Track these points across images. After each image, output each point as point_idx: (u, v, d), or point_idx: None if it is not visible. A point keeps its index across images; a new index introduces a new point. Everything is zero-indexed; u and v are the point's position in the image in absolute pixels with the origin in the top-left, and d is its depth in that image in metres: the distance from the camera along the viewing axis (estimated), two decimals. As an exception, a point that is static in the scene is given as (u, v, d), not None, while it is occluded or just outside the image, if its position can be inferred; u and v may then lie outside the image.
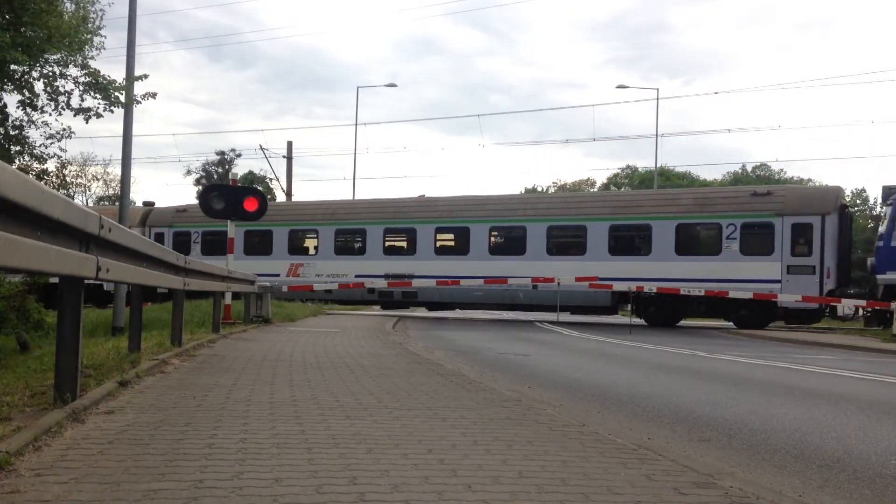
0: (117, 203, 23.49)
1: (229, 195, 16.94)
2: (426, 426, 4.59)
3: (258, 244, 28.01)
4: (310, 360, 8.62)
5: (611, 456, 3.95)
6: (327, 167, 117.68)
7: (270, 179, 55.84)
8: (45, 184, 9.09)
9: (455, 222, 26.00)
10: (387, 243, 26.62)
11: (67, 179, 17.50)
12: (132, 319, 8.18)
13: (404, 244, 26.47)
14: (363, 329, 15.44)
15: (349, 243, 27.25)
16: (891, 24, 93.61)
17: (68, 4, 14.17)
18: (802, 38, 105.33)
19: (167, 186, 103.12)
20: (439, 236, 26.14)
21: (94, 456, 3.54)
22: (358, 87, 64.15)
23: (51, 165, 14.74)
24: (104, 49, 14.60)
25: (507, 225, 25.47)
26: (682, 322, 24.47)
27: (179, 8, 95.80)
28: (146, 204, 33.12)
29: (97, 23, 14.37)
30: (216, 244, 26.99)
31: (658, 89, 44.45)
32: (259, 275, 25.04)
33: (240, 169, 62.71)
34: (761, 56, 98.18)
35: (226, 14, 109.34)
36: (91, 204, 55.03)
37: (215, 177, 63.58)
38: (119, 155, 16.81)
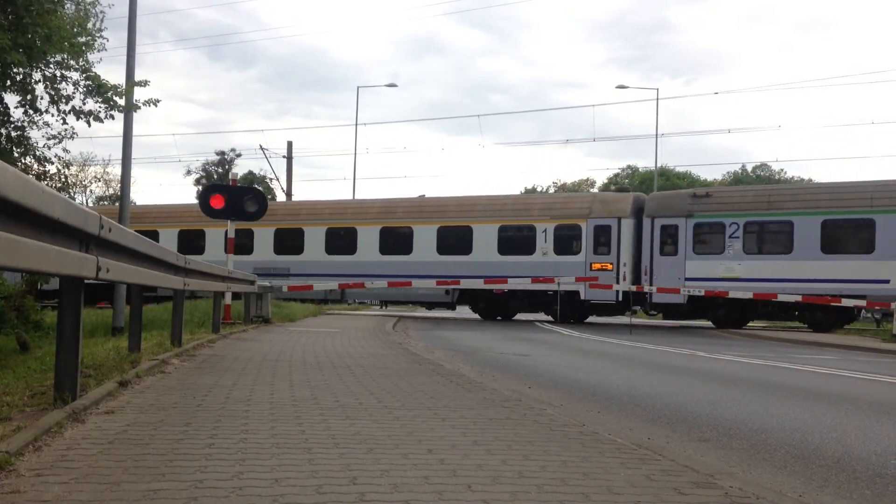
0: (117, 203, 23.41)
1: (231, 195, 16.93)
2: (426, 426, 4.59)
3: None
4: (310, 360, 8.62)
5: (611, 456, 3.95)
6: (327, 167, 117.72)
7: (270, 179, 55.92)
8: (47, 185, 9.07)
9: None
10: None
11: (69, 181, 17.44)
12: (132, 319, 8.18)
13: None
14: (363, 329, 15.43)
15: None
16: (892, 24, 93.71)
17: (69, 5, 14.13)
18: (804, 38, 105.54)
19: (161, 186, 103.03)
20: None
21: (94, 456, 3.54)
22: (358, 87, 64.39)
23: (53, 167, 14.70)
24: (105, 50, 14.57)
25: None
26: (682, 322, 24.43)
27: (180, 7, 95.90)
28: (620, 190, 25.77)
29: (97, 24, 14.32)
30: (770, 238, 21.58)
31: (658, 89, 44.50)
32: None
33: (240, 169, 62.79)
34: (762, 56, 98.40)
35: (226, 14, 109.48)
36: (90, 204, 54.95)
37: (215, 177, 63.58)
38: (119, 155, 16.81)
